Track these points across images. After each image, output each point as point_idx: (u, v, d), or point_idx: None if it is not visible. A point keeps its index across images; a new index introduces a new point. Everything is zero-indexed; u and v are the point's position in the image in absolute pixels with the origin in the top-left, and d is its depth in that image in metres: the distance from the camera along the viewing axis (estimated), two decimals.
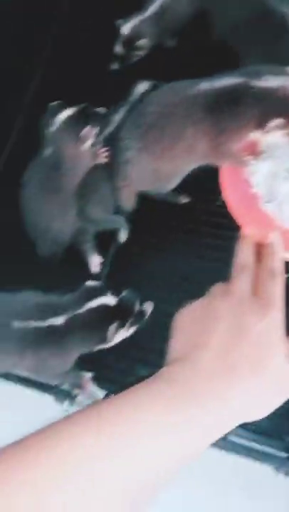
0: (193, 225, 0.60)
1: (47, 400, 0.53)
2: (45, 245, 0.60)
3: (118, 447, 0.29)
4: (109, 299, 0.47)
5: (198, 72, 0.58)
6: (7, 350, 0.47)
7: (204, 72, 0.58)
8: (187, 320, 0.42)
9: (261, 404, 0.36)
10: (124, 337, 0.50)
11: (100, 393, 0.52)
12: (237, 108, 0.45)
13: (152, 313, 0.56)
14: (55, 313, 0.47)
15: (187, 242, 0.59)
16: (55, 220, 0.58)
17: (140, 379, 0.38)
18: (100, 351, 0.56)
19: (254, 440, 0.47)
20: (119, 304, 0.48)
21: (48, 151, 0.57)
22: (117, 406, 0.32)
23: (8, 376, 0.53)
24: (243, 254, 0.47)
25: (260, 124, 0.47)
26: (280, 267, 0.45)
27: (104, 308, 0.47)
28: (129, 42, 0.62)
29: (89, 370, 0.54)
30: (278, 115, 0.46)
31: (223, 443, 0.45)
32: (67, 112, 0.54)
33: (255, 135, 0.49)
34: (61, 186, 0.57)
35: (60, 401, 0.51)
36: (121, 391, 0.36)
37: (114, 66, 0.64)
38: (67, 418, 0.30)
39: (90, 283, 0.49)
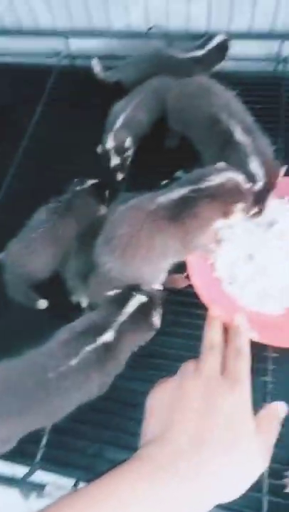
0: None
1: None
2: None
3: None
4: (141, 298, 0.52)
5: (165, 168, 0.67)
6: (76, 382, 0.48)
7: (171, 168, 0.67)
8: (159, 400, 0.43)
9: (236, 482, 0.37)
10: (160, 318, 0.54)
11: (69, 482, 0.49)
12: (196, 210, 0.51)
13: (121, 392, 0.56)
14: (102, 331, 0.49)
15: None
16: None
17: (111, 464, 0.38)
18: (68, 436, 0.54)
19: None
20: (149, 297, 0.53)
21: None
22: (98, 493, 0.32)
23: None
24: (211, 334, 0.50)
25: (223, 214, 0.53)
26: (246, 347, 0.48)
27: (141, 306, 0.52)
28: (119, 149, 0.69)
29: (57, 455, 0.52)
30: (236, 201, 0.53)
31: None
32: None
33: (217, 224, 0.55)
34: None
35: (27, 495, 0.48)
36: (94, 478, 0.36)
37: (120, 177, 0.71)
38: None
39: (112, 293, 0.53)
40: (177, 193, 0.53)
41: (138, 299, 0.52)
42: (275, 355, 0.54)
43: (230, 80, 0.80)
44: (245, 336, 0.49)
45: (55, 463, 0.52)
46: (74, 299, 0.61)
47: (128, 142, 0.70)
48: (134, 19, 0.82)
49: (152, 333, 0.54)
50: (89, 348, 0.48)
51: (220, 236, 0.62)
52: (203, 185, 0.52)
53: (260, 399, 0.50)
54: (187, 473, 0.34)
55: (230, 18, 0.78)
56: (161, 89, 0.71)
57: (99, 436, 0.54)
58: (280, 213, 0.61)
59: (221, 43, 0.77)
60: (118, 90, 0.77)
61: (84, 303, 0.60)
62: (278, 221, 0.61)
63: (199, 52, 0.77)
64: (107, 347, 0.49)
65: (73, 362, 0.47)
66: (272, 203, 0.62)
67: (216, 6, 0.77)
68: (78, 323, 0.51)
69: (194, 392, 0.41)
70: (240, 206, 0.54)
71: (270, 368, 0.53)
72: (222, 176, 0.52)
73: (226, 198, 0.52)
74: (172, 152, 0.73)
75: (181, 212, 0.52)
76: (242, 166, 0.56)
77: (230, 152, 0.59)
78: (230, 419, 0.39)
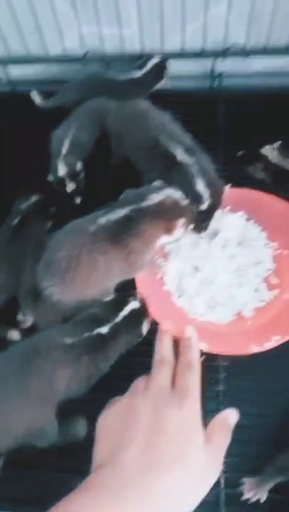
0: None
1: None
2: None
3: None
4: (135, 304, 0.54)
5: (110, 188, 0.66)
6: (64, 362, 0.50)
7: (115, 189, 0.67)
8: (110, 421, 0.43)
9: (188, 496, 0.37)
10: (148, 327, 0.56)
11: None
12: (138, 229, 0.52)
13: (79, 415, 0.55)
14: (99, 325, 0.52)
15: None
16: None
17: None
18: (23, 468, 0.52)
19: None
20: (141, 305, 0.55)
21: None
22: None
23: None
24: (162, 349, 0.50)
25: (166, 230, 0.54)
26: (196, 359, 0.48)
27: (134, 311, 0.54)
28: (72, 174, 0.70)
29: (10, 490, 0.50)
30: (177, 217, 0.54)
31: None
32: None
33: (162, 240, 0.56)
34: None
35: None
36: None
37: (78, 200, 0.71)
38: None
39: (110, 298, 0.55)
40: (117, 213, 0.53)
41: (132, 305, 0.54)
42: (225, 363, 0.55)
43: (169, 98, 0.84)
44: (196, 348, 0.50)
45: (6, 499, 0.49)
46: (20, 317, 0.60)
47: (79, 166, 0.71)
48: (69, 45, 0.83)
49: (137, 341, 0.55)
50: (86, 334, 0.51)
51: (166, 250, 0.63)
52: (144, 204, 0.53)
53: (213, 409, 0.50)
54: (136, 501, 0.34)
55: (162, 39, 0.81)
56: (98, 110, 0.73)
57: (60, 465, 0.53)
58: (222, 223, 0.63)
59: (158, 64, 0.80)
60: (62, 114, 0.77)
61: (29, 322, 0.59)
62: (221, 231, 0.63)
63: (137, 74, 0.79)
64: (101, 339, 0.51)
65: (68, 340, 0.50)
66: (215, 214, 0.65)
67: (147, 29, 0.80)
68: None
69: (143, 410, 0.41)
70: (181, 221, 0.55)
71: (221, 377, 0.54)
72: (161, 193, 0.54)
73: (166, 215, 0.53)
74: (121, 168, 0.74)
75: (122, 232, 0.52)
76: (188, 187, 0.57)
77: (174, 174, 0.59)
78: (178, 435, 0.39)
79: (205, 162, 0.61)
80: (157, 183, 0.56)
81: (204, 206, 0.58)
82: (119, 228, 0.52)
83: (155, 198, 0.53)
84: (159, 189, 0.54)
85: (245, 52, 0.80)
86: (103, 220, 0.52)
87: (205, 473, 0.38)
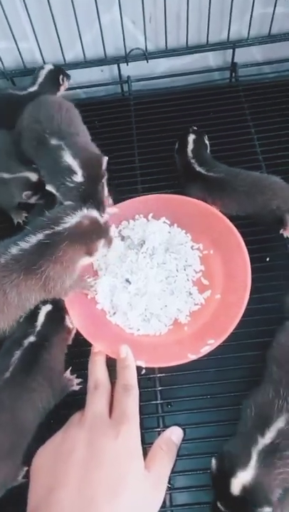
0: None
1: None
2: None
3: None
4: (46, 307, 0.54)
5: None
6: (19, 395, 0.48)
7: None
8: (44, 458, 0.40)
9: None
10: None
11: None
12: (55, 256, 0.48)
13: None
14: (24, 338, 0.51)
15: None
16: None
17: None
18: None
19: None
20: (53, 304, 0.54)
21: None
22: None
23: None
24: (95, 373, 0.48)
25: (86, 253, 0.51)
26: (133, 380, 0.46)
27: (49, 314, 0.54)
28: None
29: None
30: (97, 238, 0.52)
31: None
32: None
33: (85, 260, 0.53)
34: None
35: None
36: None
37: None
38: None
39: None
40: (30, 240, 0.49)
41: (44, 310, 0.53)
42: (161, 375, 0.53)
43: (83, 107, 0.82)
44: (132, 368, 0.48)
45: None
46: None
47: None
48: None
49: (71, 336, 0.55)
50: (17, 351, 0.50)
51: (95, 268, 0.61)
52: (59, 227, 0.49)
53: (154, 426, 0.49)
54: None
55: (63, 50, 0.78)
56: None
57: None
58: (147, 231, 0.62)
59: (50, 73, 0.75)
60: None
61: None
62: (147, 240, 0.61)
63: (33, 88, 0.76)
64: (35, 349, 0.50)
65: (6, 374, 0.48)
66: (139, 223, 0.63)
67: (45, 41, 0.77)
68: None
69: (78, 443, 0.39)
70: (102, 242, 0.52)
71: (158, 390, 0.52)
72: (76, 215, 0.50)
73: (86, 237, 0.50)
74: None
75: (37, 260, 0.48)
76: (55, 163, 0.55)
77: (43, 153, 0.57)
78: (115, 465, 0.37)
79: (78, 140, 0.58)
80: (69, 203, 0.53)
81: (78, 178, 0.54)
82: (33, 256, 0.48)
83: (71, 221, 0.50)
84: (73, 210, 0.50)
85: (145, 56, 0.79)
86: (14, 250, 0.49)
87: (147, 500, 0.37)
